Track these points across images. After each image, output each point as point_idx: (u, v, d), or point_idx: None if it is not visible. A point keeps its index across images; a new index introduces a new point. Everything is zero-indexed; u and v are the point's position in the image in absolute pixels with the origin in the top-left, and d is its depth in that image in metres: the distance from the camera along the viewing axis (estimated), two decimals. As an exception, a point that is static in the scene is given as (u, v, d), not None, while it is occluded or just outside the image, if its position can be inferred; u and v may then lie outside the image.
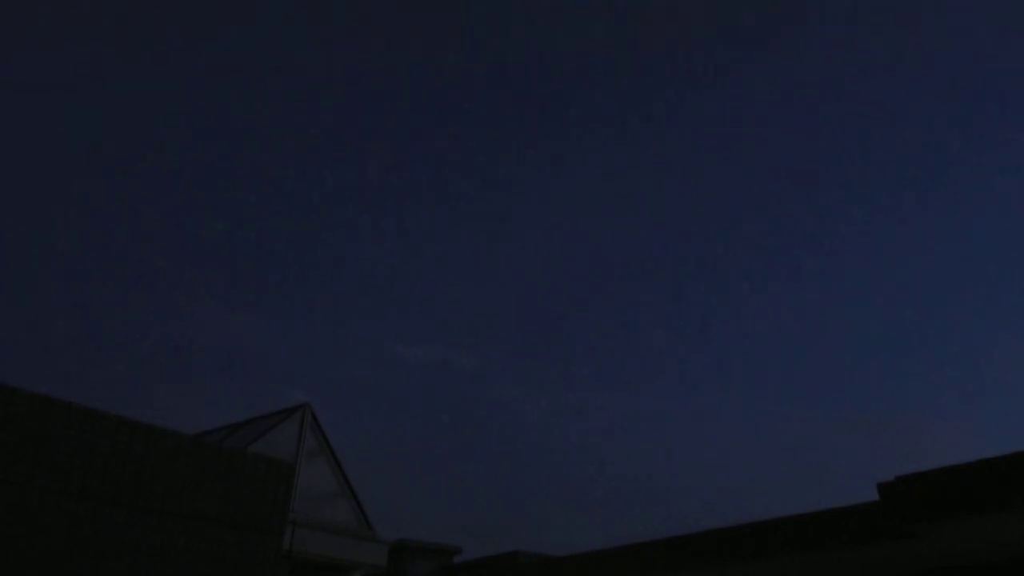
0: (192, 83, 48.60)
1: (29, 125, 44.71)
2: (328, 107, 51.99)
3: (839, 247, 54.10)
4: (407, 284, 56.56)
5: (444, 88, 51.64)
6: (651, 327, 57.73)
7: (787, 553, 10.51)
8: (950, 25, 46.34)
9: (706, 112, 53.23)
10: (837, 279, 55.71)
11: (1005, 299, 53.83)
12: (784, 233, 55.47)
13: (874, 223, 52.22)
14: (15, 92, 41.82)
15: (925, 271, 55.55)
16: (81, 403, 10.27)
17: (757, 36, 48.41)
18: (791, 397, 56.68)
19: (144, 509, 10.41)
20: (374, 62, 50.58)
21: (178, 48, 47.17)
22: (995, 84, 47.22)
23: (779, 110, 51.58)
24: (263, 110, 51.47)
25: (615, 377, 58.47)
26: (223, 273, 53.92)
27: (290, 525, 13.29)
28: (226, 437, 15.65)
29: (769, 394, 57.15)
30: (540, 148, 53.56)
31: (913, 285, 55.50)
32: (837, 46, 48.17)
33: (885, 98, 49.51)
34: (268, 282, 53.74)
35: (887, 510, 9.10)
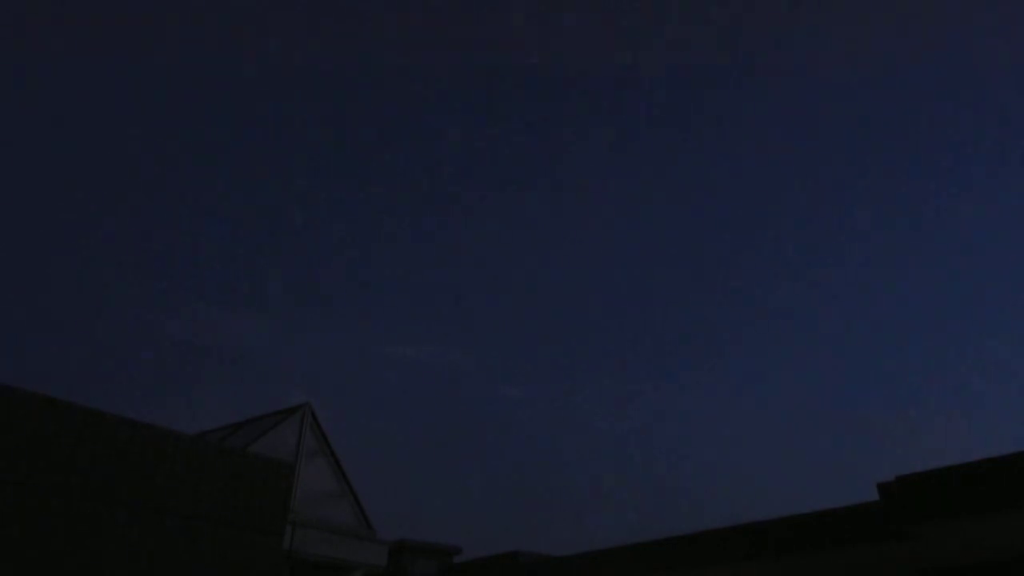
0: (194, 86, 48.56)
1: (33, 128, 44.65)
2: (330, 111, 51.93)
3: (840, 250, 54.07)
4: (407, 285, 56.50)
5: (446, 91, 51.59)
6: (651, 328, 57.68)
7: (787, 553, 10.50)
8: (969, 26, 46.34)
9: (715, 115, 53.19)
10: (838, 282, 55.68)
11: (1005, 301, 53.79)
12: (785, 236, 55.41)
13: (875, 227, 52.19)
14: (19, 95, 41.77)
15: (926, 273, 55.52)
16: (81, 403, 10.26)
17: (778, 40, 48.38)
18: (791, 397, 56.63)
19: (144, 509, 10.41)
20: (377, 64, 50.53)
21: (181, 51, 47.12)
22: (998, 90, 47.18)
23: (787, 115, 51.52)
24: (265, 113, 51.41)
25: (615, 378, 58.42)
26: (223, 273, 53.86)
27: (290, 525, 13.28)
28: (226, 437, 15.64)
29: (770, 394, 57.11)
30: (542, 148, 53.49)
31: (914, 287, 55.47)
32: (855, 50, 48.12)
33: (888, 103, 49.46)
34: (268, 283, 53.69)
35: (887, 510, 9.10)
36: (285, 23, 47.62)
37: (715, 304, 56.99)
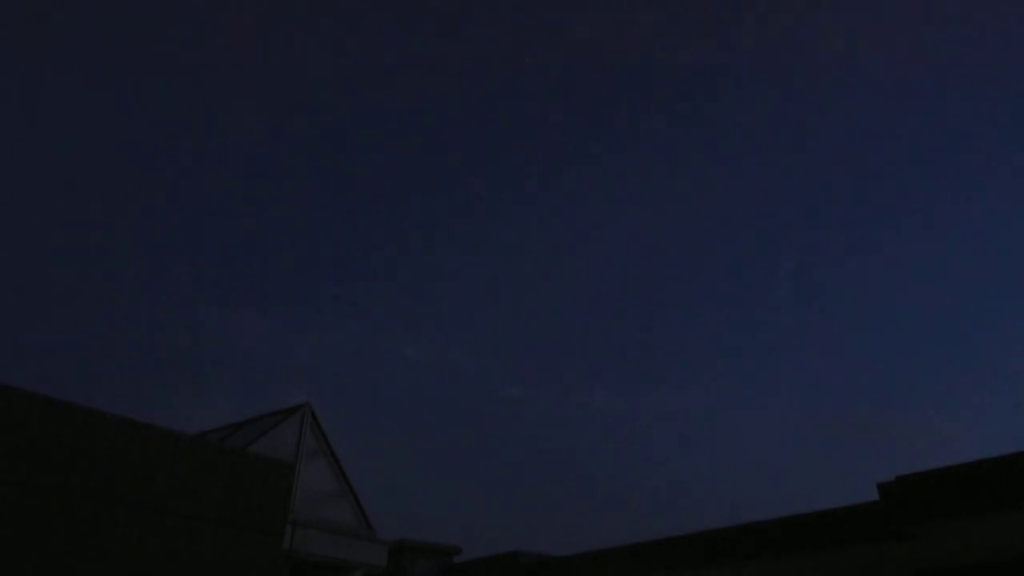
0: (196, 86, 48.60)
1: (33, 127, 44.69)
2: (331, 110, 51.98)
3: (839, 249, 54.14)
4: (407, 284, 56.57)
5: (446, 91, 51.65)
6: (651, 329, 57.74)
7: (787, 553, 10.51)
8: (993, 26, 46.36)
9: (716, 116, 53.26)
10: (837, 281, 55.74)
11: (1005, 300, 53.83)
12: (785, 236, 55.48)
13: (876, 228, 52.24)
14: (19, 95, 41.82)
15: (926, 272, 55.56)
16: (81, 403, 10.27)
17: (797, 35, 48.42)
18: (791, 397, 56.67)
19: (144, 509, 10.41)
20: (378, 63, 50.59)
21: (182, 50, 47.17)
22: (999, 90, 47.21)
23: (786, 114, 51.58)
24: (267, 113, 51.48)
25: (615, 378, 58.47)
26: (223, 273, 53.90)
27: (290, 525, 13.28)
28: (226, 437, 15.64)
29: (770, 395, 57.15)
30: (542, 148, 53.56)
31: (914, 286, 55.52)
32: (868, 45, 48.17)
33: (889, 103, 49.51)
34: (268, 282, 53.74)
35: (887, 510, 9.10)
36: (284, 22, 47.62)
37: (716, 304, 57.00)
